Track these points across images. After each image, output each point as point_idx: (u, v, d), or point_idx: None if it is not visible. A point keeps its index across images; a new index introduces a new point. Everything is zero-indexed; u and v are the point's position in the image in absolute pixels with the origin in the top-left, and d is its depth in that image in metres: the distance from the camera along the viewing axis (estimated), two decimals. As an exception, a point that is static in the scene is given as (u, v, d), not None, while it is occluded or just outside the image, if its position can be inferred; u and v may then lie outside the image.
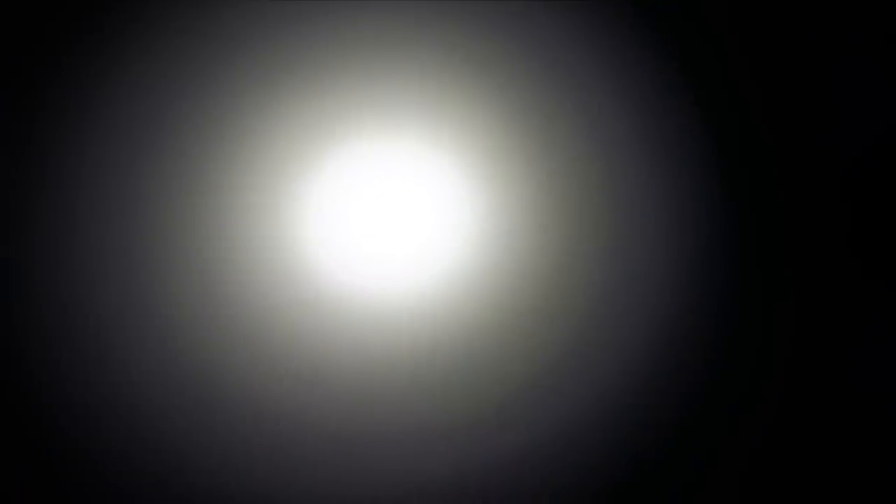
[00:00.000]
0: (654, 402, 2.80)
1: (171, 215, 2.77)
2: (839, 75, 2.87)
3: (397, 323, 2.78)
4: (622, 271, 2.81)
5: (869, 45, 2.88)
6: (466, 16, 2.83)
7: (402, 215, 2.81)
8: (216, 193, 2.78)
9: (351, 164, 2.80)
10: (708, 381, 2.82)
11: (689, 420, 2.81)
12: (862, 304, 2.84)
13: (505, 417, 2.78)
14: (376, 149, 2.81)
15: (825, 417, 2.82)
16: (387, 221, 2.80)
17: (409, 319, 2.77)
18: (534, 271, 2.81)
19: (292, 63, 2.80)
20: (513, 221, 2.80)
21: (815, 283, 2.85)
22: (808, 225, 2.86)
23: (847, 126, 2.86)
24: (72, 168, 2.78)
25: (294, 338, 2.76)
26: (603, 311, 2.81)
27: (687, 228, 2.83)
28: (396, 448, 2.76)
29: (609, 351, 2.80)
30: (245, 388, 2.75)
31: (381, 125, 2.81)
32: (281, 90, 2.80)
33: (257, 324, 2.76)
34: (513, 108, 2.82)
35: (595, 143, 2.83)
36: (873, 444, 2.82)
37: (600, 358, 2.80)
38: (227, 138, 2.79)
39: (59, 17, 2.78)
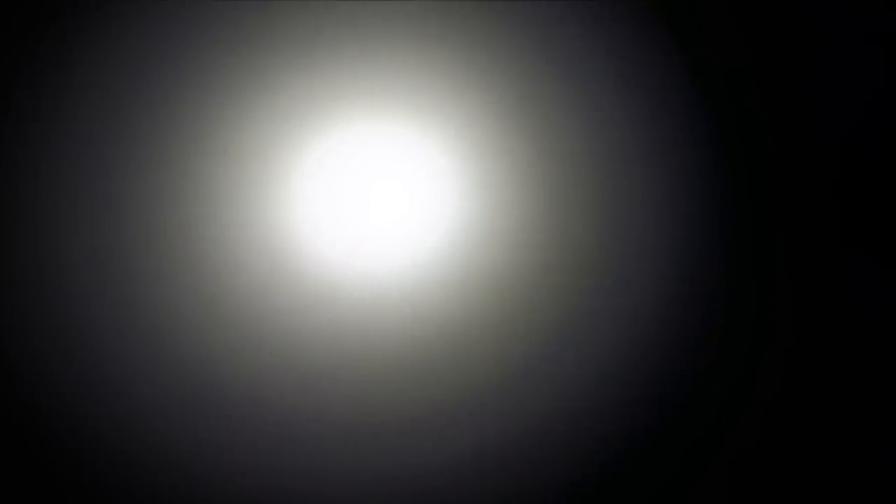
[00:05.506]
0: (643, 393, 2.80)
1: (159, 200, 2.77)
2: (832, 69, 2.87)
3: (386, 304, 2.78)
4: (613, 253, 2.81)
5: (861, 36, 2.88)
6: None
7: (390, 197, 2.81)
8: (203, 176, 2.78)
9: (340, 146, 2.80)
10: (696, 380, 2.82)
11: (676, 418, 2.81)
12: (857, 293, 2.84)
13: (496, 400, 2.78)
14: (365, 131, 2.81)
15: (822, 417, 2.83)
16: (375, 203, 2.80)
17: (398, 300, 2.77)
18: (522, 254, 2.81)
19: (280, 46, 2.80)
20: (501, 205, 2.80)
21: (810, 275, 2.85)
22: (803, 218, 2.87)
23: (841, 116, 2.87)
24: (55, 161, 2.77)
25: (282, 319, 2.76)
26: (593, 293, 2.81)
27: (680, 217, 2.83)
28: (387, 432, 2.76)
29: (599, 335, 2.80)
30: (234, 372, 2.75)
31: (371, 107, 2.81)
32: (268, 73, 2.80)
33: (247, 307, 2.76)
34: (503, 90, 2.82)
35: (587, 128, 2.83)
36: (868, 432, 2.82)
37: (590, 343, 2.80)
38: (214, 123, 2.78)
39: (44, 14, 2.77)
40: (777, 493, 2.81)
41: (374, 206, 2.81)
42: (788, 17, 2.89)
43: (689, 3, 2.88)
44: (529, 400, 2.78)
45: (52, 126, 2.78)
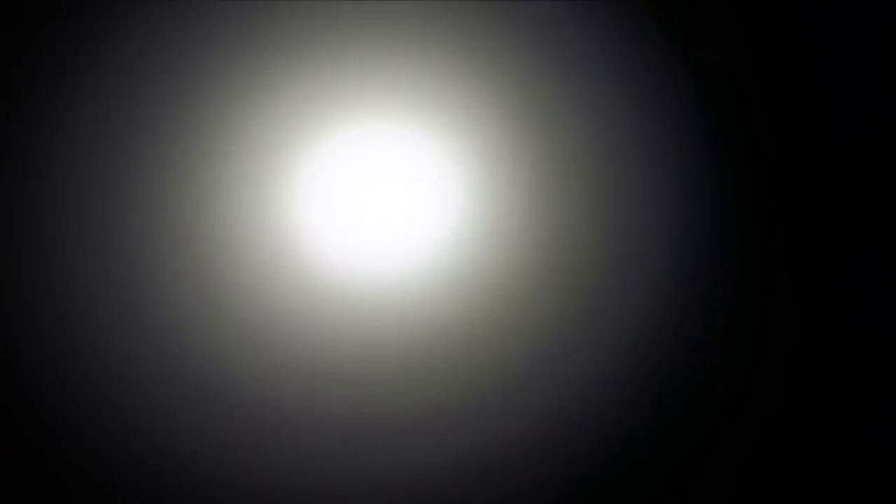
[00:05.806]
0: (645, 394, 2.81)
1: (162, 201, 2.77)
2: (831, 70, 2.88)
3: (389, 305, 2.78)
4: (615, 252, 2.82)
5: (859, 42, 2.89)
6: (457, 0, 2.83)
7: (393, 198, 2.81)
8: (206, 177, 2.78)
9: (342, 148, 2.81)
10: (697, 380, 2.83)
11: (677, 419, 2.82)
12: (857, 293, 2.85)
13: (498, 401, 2.79)
14: (368, 132, 2.81)
15: (823, 420, 2.84)
16: (378, 204, 2.81)
17: (401, 301, 2.78)
18: (524, 255, 2.81)
19: (282, 47, 2.80)
20: (504, 205, 2.81)
21: (809, 275, 2.86)
22: (803, 218, 2.87)
23: (841, 116, 2.87)
24: (59, 161, 2.77)
25: (285, 319, 2.77)
26: (594, 293, 2.81)
27: (681, 217, 2.84)
28: (389, 432, 2.77)
29: (601, 335, 2.81)
30: (238, 372, 2.76)
31: (373, 109, 2.81)
32: (271, 74, 2.80)
33: (250, 308, 2.76)
34: (505, 91, 2.82)
35: (588, 128, 2.83)
36: (867, 430, 2.83)
37: (592, 343, 2.81)
38: (217, 124, 2.79)
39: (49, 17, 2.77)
40: (777, 493, 2.82)
41: (376, 207, 2.81)
42: (788, 16, 2.90)
43: (688, 4, 2.88)
44: (532, 400, 2.80)
45: (55, 127, 2.78)
